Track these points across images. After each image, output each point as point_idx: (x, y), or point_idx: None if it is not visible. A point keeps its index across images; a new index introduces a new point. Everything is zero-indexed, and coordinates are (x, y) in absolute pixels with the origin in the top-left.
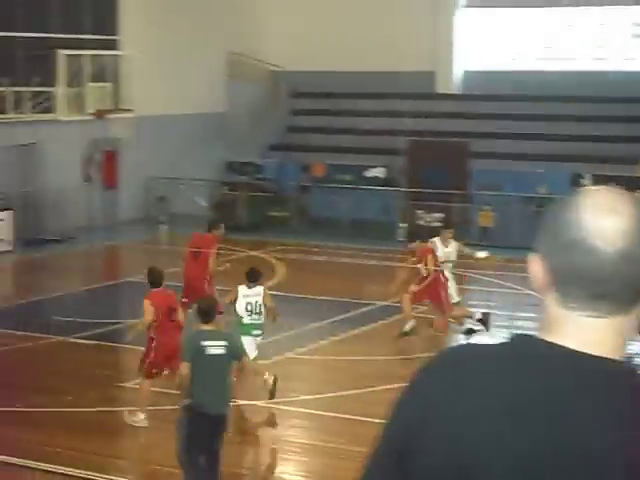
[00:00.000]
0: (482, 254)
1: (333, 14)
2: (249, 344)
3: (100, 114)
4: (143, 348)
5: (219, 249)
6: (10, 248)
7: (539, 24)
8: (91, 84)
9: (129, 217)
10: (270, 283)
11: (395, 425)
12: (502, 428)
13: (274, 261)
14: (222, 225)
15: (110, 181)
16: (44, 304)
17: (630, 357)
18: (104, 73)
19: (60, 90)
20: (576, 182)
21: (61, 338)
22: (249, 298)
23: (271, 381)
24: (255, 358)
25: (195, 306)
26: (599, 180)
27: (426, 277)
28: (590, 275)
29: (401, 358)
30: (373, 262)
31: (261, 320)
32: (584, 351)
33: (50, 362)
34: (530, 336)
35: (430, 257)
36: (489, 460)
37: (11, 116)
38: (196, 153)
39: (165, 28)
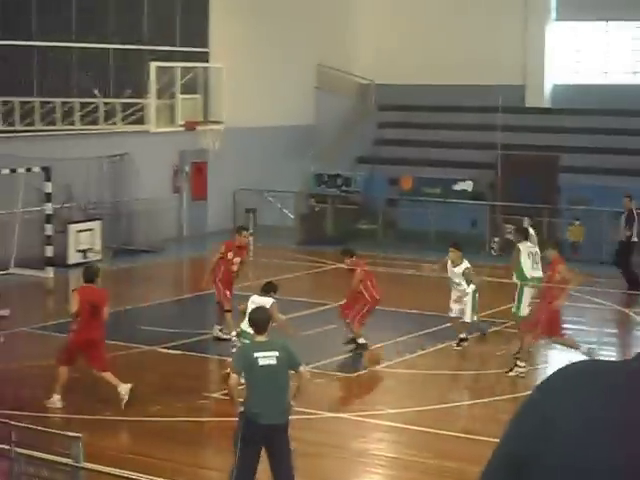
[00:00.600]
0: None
1: (422, 27)
2: None
3: (190, 126)
4: (230, 359)
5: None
6: (99, 257)
7: (628, 37)
8: (181, 96)
9: (217, 229)
10: None
11: (513, 439)
12: (617, 447)
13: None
14: (245, 232)
15: (199, 192)
16: (132, 314)
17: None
18: (194, 85)
19: (151, 102)
20: None
21: (149, 348)
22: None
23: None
24: None
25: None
26: None
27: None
28: None
29: (488, 373)
30: None
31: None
32: None
33: (138, 372)
34: None
35: (563, 266)
36: (604, 477)
37: (103, 127)
38: (284, 165)
39: (255, 40)
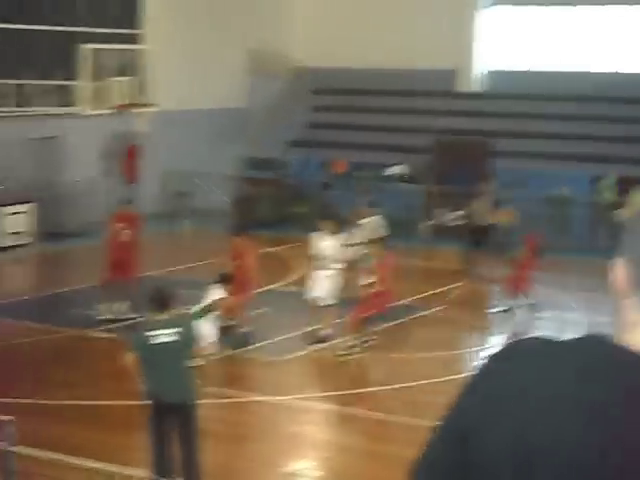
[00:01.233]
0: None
1: (355, 11)
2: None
3: (122, 108)
4: None
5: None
6: (31, 241)
7: (564, 23)
8: (114, 78)
9: (149, 212)
10: (289, 280)
11: (457, 415)
12: (568, 425)
13: (292, 258)
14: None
15: (131, 175)
16: (63, 297)
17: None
18: (127, 67)
19: (83, 84)
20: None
21: (79, 331)
22: None
23: None
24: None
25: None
26: (624, 182)
27: None
28: None
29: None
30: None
31: None
32: None
33: (68, 355)
34: (603, 337)
35: None
36: (551, 454)
37: (35, 109)
38: (218, 149)
39: (188, 23)
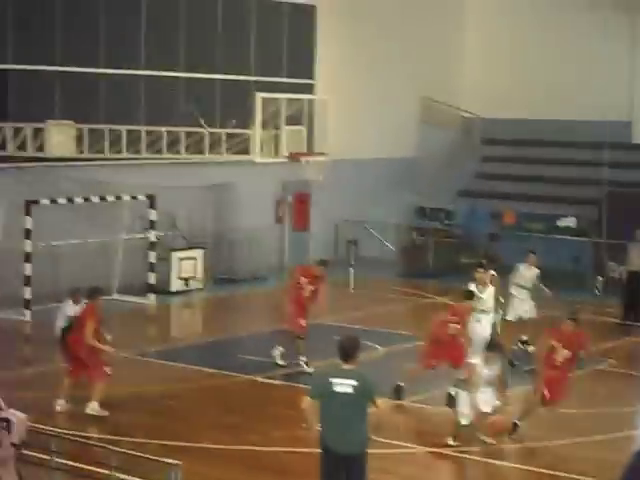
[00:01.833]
0: None
1: (527, 62)
2: None
3: (294, 157)
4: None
5: None
6: (201, 286)
7: None
8: (286, 127)
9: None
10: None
11: None
12: None
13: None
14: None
15: (301, 223)
16: (233, 343)
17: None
18: (299, 116)
19: (256, 132)
20: None
21: (248, 377)
22: None
23: None
24: None
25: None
26: None
27: None
28: None
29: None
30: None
31: None
32: None
33: (237, 400)
34: None
35: None
36: None
37: (207, 156)
38: (387, 197)
39: (359, 73)
